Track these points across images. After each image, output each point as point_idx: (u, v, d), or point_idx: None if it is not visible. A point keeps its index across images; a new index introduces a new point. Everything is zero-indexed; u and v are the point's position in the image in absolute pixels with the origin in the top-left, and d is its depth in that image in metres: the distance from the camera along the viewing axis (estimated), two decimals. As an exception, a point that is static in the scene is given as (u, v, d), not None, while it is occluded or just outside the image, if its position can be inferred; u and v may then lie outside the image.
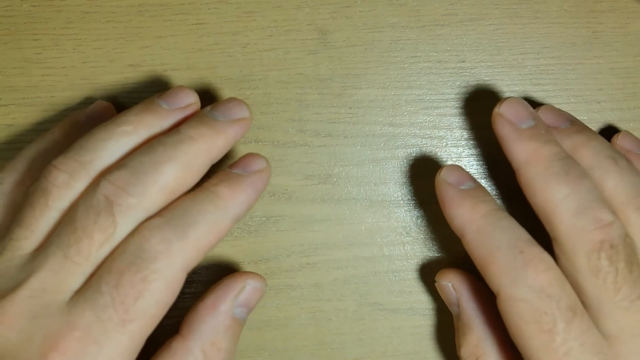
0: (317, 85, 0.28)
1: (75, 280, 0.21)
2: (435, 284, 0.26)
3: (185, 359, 0.23)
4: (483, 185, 0.26)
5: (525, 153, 0.24)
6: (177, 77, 0.28)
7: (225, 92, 0.28)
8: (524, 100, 0.25)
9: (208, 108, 0.24)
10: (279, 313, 0.28)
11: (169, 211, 0.22)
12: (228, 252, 0.28)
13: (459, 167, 0.25)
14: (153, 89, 0.28)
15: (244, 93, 0.28)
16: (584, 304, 0.22)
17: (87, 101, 0.28)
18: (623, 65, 0.28)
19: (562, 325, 0.21)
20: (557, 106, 0.28)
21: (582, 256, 0.22)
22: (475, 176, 0.28)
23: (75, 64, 0.28)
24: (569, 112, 0.28)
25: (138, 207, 0.22)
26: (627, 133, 0.27)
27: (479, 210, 0.23)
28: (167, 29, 0.28)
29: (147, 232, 0.21)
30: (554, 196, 0.23)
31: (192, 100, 0.24)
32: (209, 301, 0.24)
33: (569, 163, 0.23)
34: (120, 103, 0.28)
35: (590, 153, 0.24)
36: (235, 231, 0.28)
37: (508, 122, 0.24)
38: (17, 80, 0.28)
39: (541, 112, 0.26)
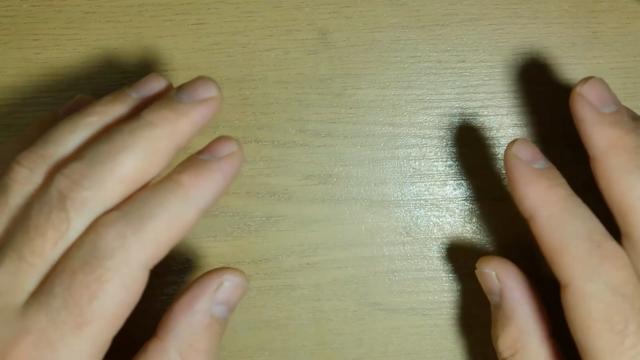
0: (317, 85, 0.28)
1: (31, 281, 0.20)
2: (476, 270, 0.25)
3: None
4: (479, 187, 0.25)
5: (607, 140, 0.22)
6: (177, 77, 0.28)
7: (225, 92, 0.28)
8: (605, 82, 0.24)
9: (174, 90, 0.22)
10: (279, 313, 0.28)
11: (127, 204, 0.20)
12: (228, 252, 0.28)
13: (531, 144, 0.23)
14: (153, 89, 0.28)
15: (244, 93, 0.28)
16: None
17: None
18: (623, 65, 0.28)
19: (633, 328, 0.20)
20: (557, 106, 0.28)
21: None
22: (475, 176, 0.28)
23: (75, 64, 0.28)
24: (568, 112, 0.28)
25: (93, 201, 0.20)
26: (595, 81, 0.25)
27: (556, 193, 0.22)
28: (167, 29, 0.28)
29: (102, 228, 0.20)
30: (633, 190, 0.21)
31: (162, 87, 0.23)
32: (184, 300, 0.22)
33: None
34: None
35: None
36: (235, 231, 0.28)
37: (589, 104, 0.23)
38: (17, 80, 0.28)
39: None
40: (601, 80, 0.23)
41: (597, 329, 0.21)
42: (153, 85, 0.23)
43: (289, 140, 0.28)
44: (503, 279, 0.24)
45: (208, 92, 0.22)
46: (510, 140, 0.23)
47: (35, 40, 0.28)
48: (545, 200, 0.22)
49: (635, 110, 0.28)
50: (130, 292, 0.20)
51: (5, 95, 0.28)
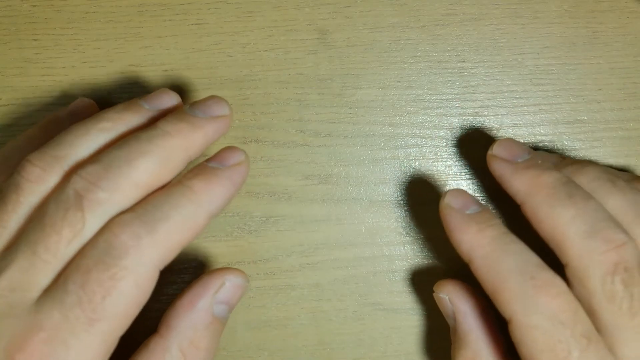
0: (317, 85, 0.28)
1: (44, 278, 0.20)
2: (434, 294, 0.26)
3: (163, 358, 0.22)
4: (479, 186, 0.26)
5: (526, 183, 0.23)
6: (177, 77, 0.28)
7: (225, 92, 0.28)
8: (514, 139, 0.25)
9: (187, 105, 0.23)
10: (279, 313, 0.28)
11: (141, 206, 0.21)
12: (228, 252, 0.28)
13: (463, 191, 0.25)
14: (153, 89, 0.28)
15: (244, 93, 0.28)
16: (598, 329, 0.22)
17: (87, 101, 0.28)
18: (623, 65, 0.28)
19: (576, 354, 0.21)
20: (557, 106, 0.28)
21: (596, 280, 0.21)
22: (475, 176, 0.28)
23: (75, 64, 0.28)
24: (569, 112, 0.28)
25: (109, 202, 0.21)
26: (505, 141, 0.26)
27: (486, 234, 0.23)
28: (167, 29, 0.28)
29: (117, 228, 0.20)
30: (560, 220, 0.22)
31: (174, 102, 0.24)
32: (186, 298, 0.23)
33: (572, 186, 0.23)
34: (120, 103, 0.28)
35: (587, 179, 0.24)
36: (235, 231, 0.28)
37: (503, 160, 0.24)
38: (17, 80, 0.28)
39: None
40: (509, 138, 0.25)
41: (543, 358, 0.21)
42: (165, 99, 0.24)
43: (289, 140, 0.28)
44: (455, 303, 0.25)
45: (221, 109, 0.23)
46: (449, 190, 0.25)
47: (35, 40, 0.28)
48: (477, 243, 0.23)
49: (635, 110, 0.28)
50: (141, 291, 0.21)
51: (5, 95, 0.28)
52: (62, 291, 0.20)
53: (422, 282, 0.28)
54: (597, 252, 0.21)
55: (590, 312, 0.22)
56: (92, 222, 0.21)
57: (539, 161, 0.24)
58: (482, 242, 0.23)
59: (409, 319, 0.28)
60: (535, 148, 0.28)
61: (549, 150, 0.28)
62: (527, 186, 0.23)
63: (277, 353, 0.28)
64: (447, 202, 0.24)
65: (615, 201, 0.23)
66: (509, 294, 0.22)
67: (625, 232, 0.22)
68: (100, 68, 0.28)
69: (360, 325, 0.28)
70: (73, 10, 0.28)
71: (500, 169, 0.24)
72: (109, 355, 0.21)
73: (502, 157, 0.24)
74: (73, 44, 0.28)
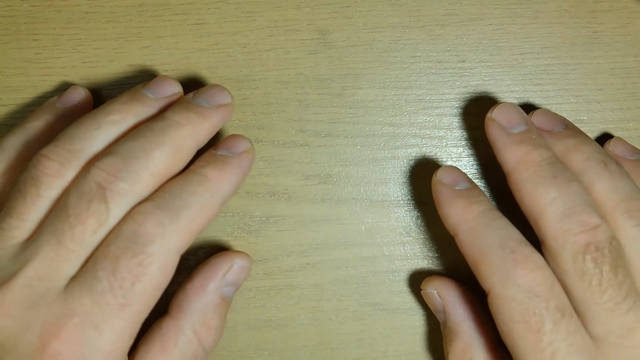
0: (317, 85, 0.28)
1: (71, 267, 0.21)
2: (422, 292, 0.26)
3: (177, 339, 0.23)
4: (479, 186, 0.26)
5: (515, 157, 0.24)
6: (177, 77, 0.28)
7: (225, 92, 0.28)
8: (516, 105, 0.25)
9: (191, 95, 0.24)
10: (279, 313, 0.28)
11: (160, 195, 0.22)
12: (228, 252, 0.28)
13: (455, 168, 0.26)
14: (153, 89, 0.28)
15: (244, 93, 0.28)
16: (572, 306, 0.22)
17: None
18: (623, 65, 0.28)
19: (549, 326, 0.22)
20: (557, 106, 0.28)
21: (568, 258, 0.22)
22: (475, 176, 0.28)
23: (75, 64, 0.28)
24: (569, 112, 0.28)
25: (130, 193, 0.22)
26: (619, 139, 0.27)
27: (472, 210, 0.24)
28: (167, 29, 0.28)
29: (141, 217, 0.21)
30: (541, 199, 0.23)
31: (176, 90, 0.25)
32: (197, 281, 0.24)
33: (558, 167, 0.23)
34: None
35: (581, 157, 0.24)
36: (235, 231, 0.28)
37: (499, 126, 0.25)
38: (17, 80, 0.28)
39: (536, 116, 0.26)
40: (510, 104, 0.25)
41: (518, 330, 0.22)
42: (166, 86, 0.25)
43: (289, 140, 0.28)
44: (445, 296, 0.26)
45: (224, 98, 0.24)
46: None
47: (35, 40, 0.28)
48: (463, 217, 0.24)
49: (635, 110, 0.28)
50: (165, 275, 0.22)
51: (5, 95, 0.28)
52: (92, 278, 0.21)
53: (422, 282, 0.28)
54: (571, 233, 0.22)
55: (564, 289, 0.23)
56: (116, 211, 0.22)
57: (534, 136, 0.24)
58: (468, 216, 0.24)
59: (409, 319, 0.28)
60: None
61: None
62: (516, 160, 0.24)
63: (277, 353, 0.28)
64: (438, 177, 0.25)
65: (603, 184, 0.24)
66: (489, 267, 0.23)
67: (600, 216, 0.23)
68: (100, 68, 0.28)
69: (360, 325, 0.28)
70: (73, 10, 0.28)
71: (494, 134, 0.25)
72: (134, 337, 0.22)
73: (500, 122, 0.25)
74: (73, 44, 0.28)
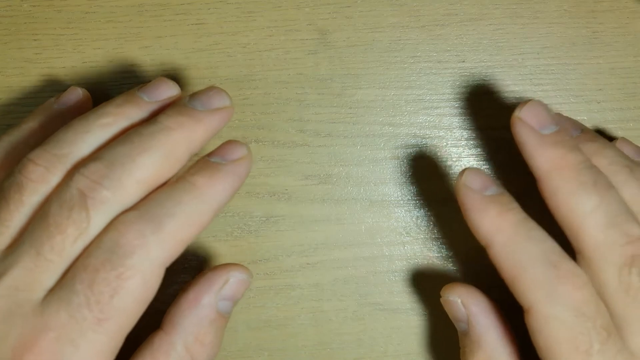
0: (317, 85, 0.28)
1: (49, 277, 0.20)
2: (441, 299, 0.25)
3: (168, 354, 0.22)
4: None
5: (550, 161, 0.22)
6: (177, 77, 0.28)
7: (225, 92, 0.28)
8: (544, 103, 0.24)
9: (187, 97, 0.23)
10: (279, 313, 0.28)
11: (145, 204, 0.21)
12: (228, 252, 0.28)
13: (481, 171, 0.23)
14: (153, 89, 0.28)
15: (244, 93, 0.28)
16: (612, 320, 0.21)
17: (87, 101, 0.28)
18: (623, 65, 0.28)
19: (597, 347, 0.21)
20: (557, 106, 0.28)
21: (612, 272, 0.21)
22: (475, 176, 0.28)
23: (75, 64, 0.28)
24: (569, 112, 0.28)
25: (113, 201, 0.21)
26: (625, 140, 0.27)
27: (507, 218, 0.22)
28: (167, 29, 0.28)
29: (122, 227, 0.20)
30: (581, 208, 0.22)
31: (173, 92, 0.24)
32: (191, 295, 0.22)
33: (596, 172, 0.22)
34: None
35: (606, 162, 0.23)
36: (235, 231, 0.28)
37: (529, 127, 0.23)
38: (17, 80, 0.28)
39: None
40: (539, 102, 0.23)
41: (563, 350, 0.21)
42: (164, 89, 0.24)
43: (289, 140, 0.28)
44: (469, 305, 0.24)
45: (222, 101, 0.23)
46: (463, 168, 0.23)
47: (35, 40, 0.28)
48: (498, 226, 0.22)
49: (635, 111, 0.28)
50: (148, 289, 0.21)
51: (5, 95, 0.28)
52: (69, 291, 0.20)
53: (422, 282, 0.28)
54: (615, 245, 0.21)
55: (604, 303, 0.21)
56: (97, 220, 0.21)
57: (567, 137, 0.23)
58: (503, 226, 0.22)
59: (409, 319, 0.28)
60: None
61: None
62: (550, 164, 0.22)
63: (277, 353, 0.28)
64: (463, 181, 0.23)
65: (632, 189, 0.23)
66: (530, 282, 0.21)
67: None
68: (100, 68, 0.28)
69: (360, 325, 0.28)
70: (73, 10, 0.28)
71: (524, 135, 0.23)
72: (116, 352, 0.21)
73: (529, 123, 0.23)
74: (73, 44, 0.28)
